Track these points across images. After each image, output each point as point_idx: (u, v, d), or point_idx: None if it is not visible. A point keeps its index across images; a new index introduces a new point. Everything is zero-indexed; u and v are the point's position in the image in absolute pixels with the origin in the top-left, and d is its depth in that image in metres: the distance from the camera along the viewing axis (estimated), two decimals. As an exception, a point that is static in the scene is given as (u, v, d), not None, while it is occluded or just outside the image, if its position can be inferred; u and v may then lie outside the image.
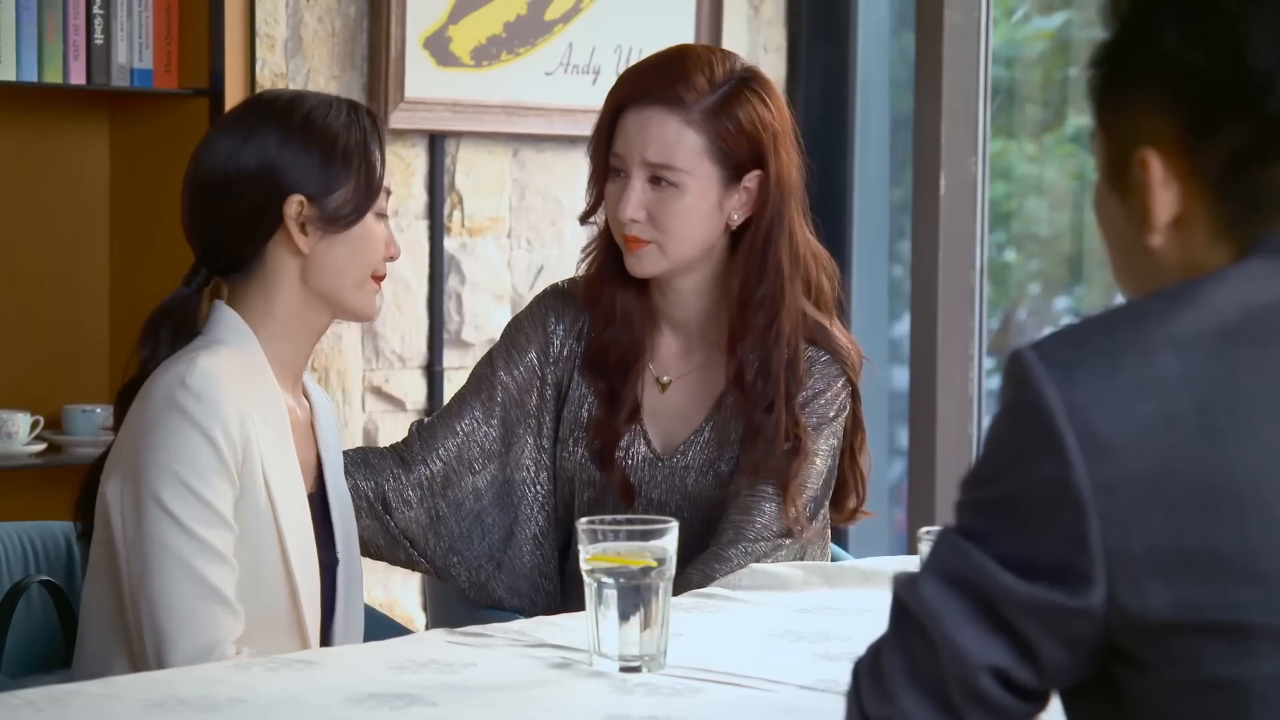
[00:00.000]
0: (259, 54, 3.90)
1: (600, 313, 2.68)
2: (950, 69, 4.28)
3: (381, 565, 2.85)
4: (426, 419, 2.74)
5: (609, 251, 2.67)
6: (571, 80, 4.29)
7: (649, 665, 2.03)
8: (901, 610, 1.32)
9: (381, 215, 2.36)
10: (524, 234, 4.35)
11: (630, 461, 2.66)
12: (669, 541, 2.05)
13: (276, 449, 2.26)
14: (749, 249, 2.60)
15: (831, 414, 2.64)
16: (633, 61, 3.05)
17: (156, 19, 3.62)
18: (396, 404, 4.19)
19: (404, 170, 4.15)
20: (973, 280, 4.32)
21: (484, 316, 4.28)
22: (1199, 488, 1.24)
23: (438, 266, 4.21)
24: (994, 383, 4.36)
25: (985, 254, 4.34)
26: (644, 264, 2.60)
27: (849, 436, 2.69)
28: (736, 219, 2.61)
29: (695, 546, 2.56)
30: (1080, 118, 4.55)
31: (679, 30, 4.35)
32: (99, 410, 3.70)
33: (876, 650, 1.34)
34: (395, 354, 4.19)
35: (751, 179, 2.59)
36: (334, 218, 2.30)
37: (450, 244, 4.23)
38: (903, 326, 4.59)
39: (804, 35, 4.70)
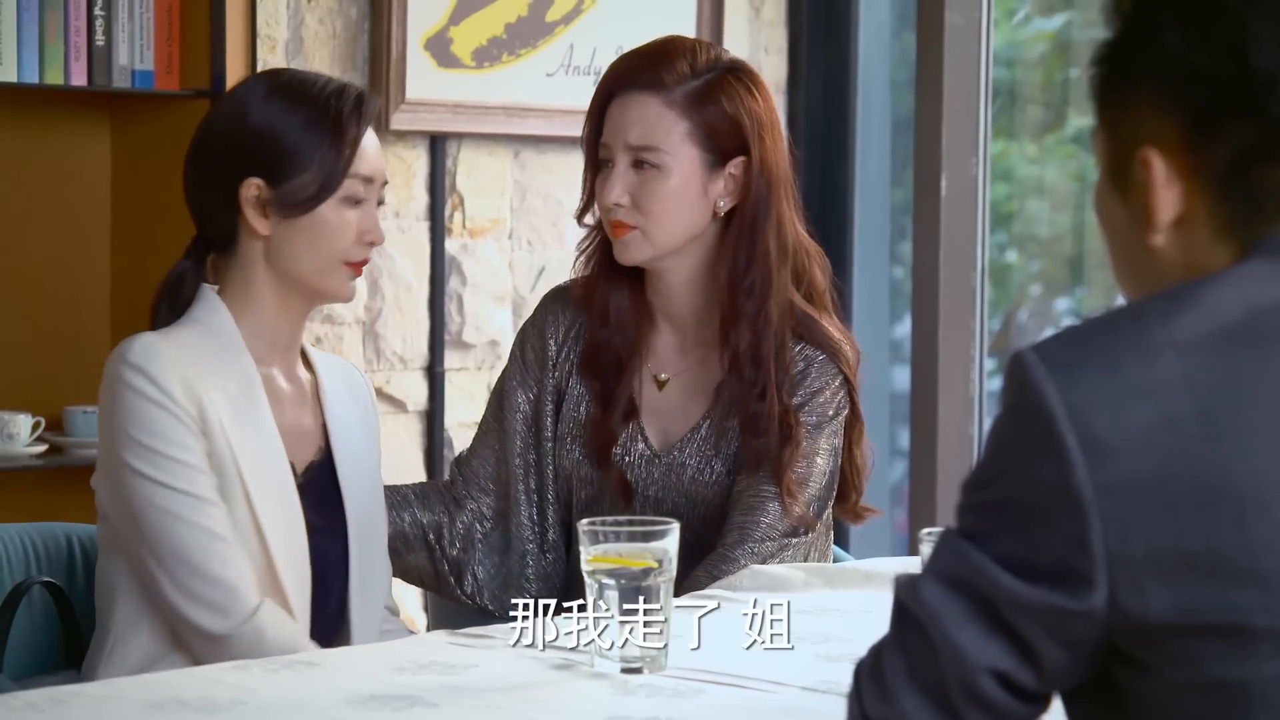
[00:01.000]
0: (260, 55, 3.89)
1: (596, 312, 2.68)
2: (951, 70, 4.27)
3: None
4: (462, 453, 2.79)
5: (604, 249, 2.67)
6: (572, 81, 4.28)
7: (650, 666, 2.03)
8: (902, 612, 1.32)
9: (357, 201, 2.33)
10: (525, 235, 4.35)
11: (629, 459, 2.66)
12: (670, 543, 2.05)
13: (242, 414, 2.28)
14: (736, 235, 2.60)
15: (831, 413, 2.63)
16: (633, 62, 3.05)
17: (158, 20, 3.62)
18: (398, 405, 4.19)
19: (405, 171, 4.15)
20: (974, 281, 4.32)
21: (485, 318, 4.28)
22: (1199, 489, 1.24)
23: (439, 268, 4.21)
24: (995, 384, 4.35)
25: (986, 255, 4.34)
26: (629, 250, 2.60)
27: (847, 431, 2.69)
28: (723, 205, 2.61)
29: (693, 544, 2.55)
30: (1081, 119, 4.55)
31: (680, 31, 4.32)
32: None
33: (878, 652, 1.34)
34: (396, 355, 4.18)
35: (736, 165, 2.59)
36: (290, 203, 2.30)
37: (451, 245, 4.23)
38: (904, 327, 4.59)
39: (805, 36, 4.70)
